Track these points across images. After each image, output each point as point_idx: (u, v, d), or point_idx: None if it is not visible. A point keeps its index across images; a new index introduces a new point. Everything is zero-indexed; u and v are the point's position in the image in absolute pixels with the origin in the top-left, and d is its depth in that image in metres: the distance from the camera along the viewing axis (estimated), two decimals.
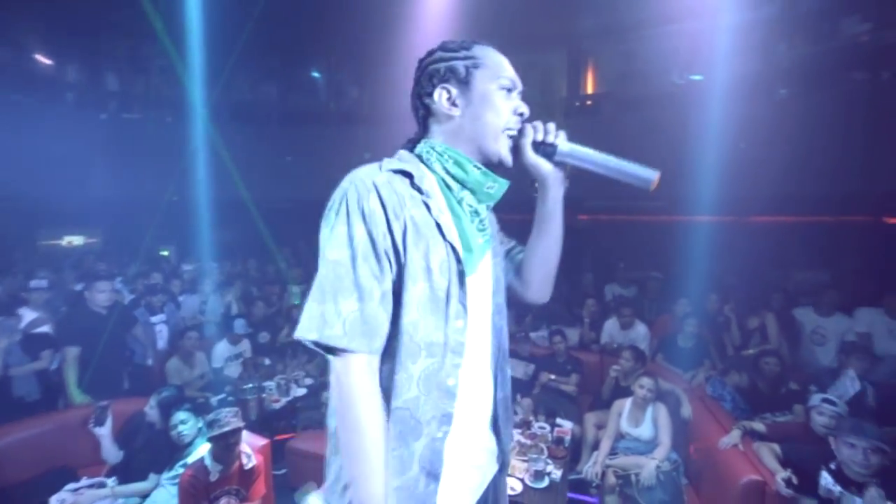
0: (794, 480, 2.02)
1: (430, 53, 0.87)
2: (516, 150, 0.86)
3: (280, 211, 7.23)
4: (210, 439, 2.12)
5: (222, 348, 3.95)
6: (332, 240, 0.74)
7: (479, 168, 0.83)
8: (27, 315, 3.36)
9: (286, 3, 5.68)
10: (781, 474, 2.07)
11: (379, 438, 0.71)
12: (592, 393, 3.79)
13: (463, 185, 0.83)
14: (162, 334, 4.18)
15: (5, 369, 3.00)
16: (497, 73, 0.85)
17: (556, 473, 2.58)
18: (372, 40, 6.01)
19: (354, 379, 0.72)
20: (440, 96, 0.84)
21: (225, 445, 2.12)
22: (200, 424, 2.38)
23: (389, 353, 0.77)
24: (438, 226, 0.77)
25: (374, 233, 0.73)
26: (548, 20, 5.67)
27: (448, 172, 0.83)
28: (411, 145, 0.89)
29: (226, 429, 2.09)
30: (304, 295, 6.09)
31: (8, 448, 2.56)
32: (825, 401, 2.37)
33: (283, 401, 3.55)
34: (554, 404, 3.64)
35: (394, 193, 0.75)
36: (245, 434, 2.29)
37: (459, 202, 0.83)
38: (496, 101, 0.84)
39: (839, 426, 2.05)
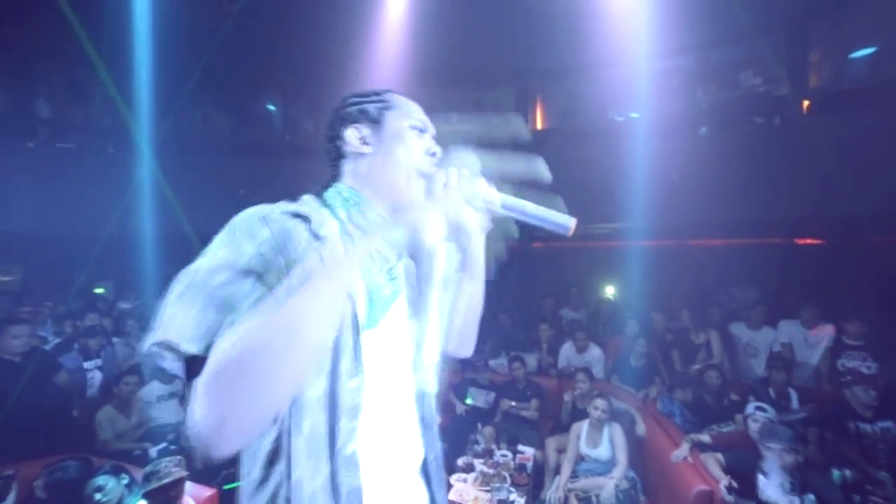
0: (735, 486, 2.16)
1: (343, 100, 0.87)
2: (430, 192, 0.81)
3: None
4: (146, 495, 1.94)
5: (152, 388, 3.63)
6: (209, 259, 0.65)
7: (381, 216, 0.81)
8: None
9: (241, 34, 5.69)
10: (723, 481, 2.20)
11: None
12: (553, 417, 3.85)
13: (364, 232, 0.79)
14: (94, 381, 3.82)
15: None
16: (409, 113, 0.85)
17: (520, 501, 2.57)
18: (327, 75, 6.11)
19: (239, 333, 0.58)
20: (351, 136, 0.83)
21: (164, 500, 1.95)
22: (125, 481, 2.16)
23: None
24: None
25: (258, 262, 0.65)
26: (496, 59, 6.05)
27: (350, 219, 0.79)
28: (320, 190, 0.86)
29: (165, 481, 1.94)
30: None
31: None
32: (758, 408, 2.57)
33: None
34: (515, 431, 3.66)
35: (284, 231, 0.68)
36: (188, 485, 2.12)
37: None
38: (408, 138, 0.83)
39: (761, 433, 2.25)
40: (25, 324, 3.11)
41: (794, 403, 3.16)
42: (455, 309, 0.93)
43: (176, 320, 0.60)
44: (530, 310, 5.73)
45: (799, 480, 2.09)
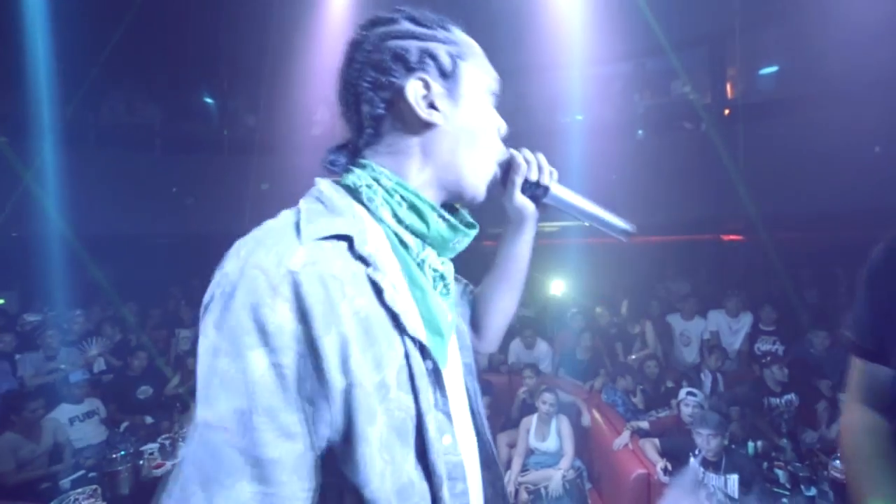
0: (670, 468, 2.32)
1: (389, 21, 0.55)
2: (501, 185, 0.67)
3: (166, 246, 6.41)
4: None
5: (61, 410, 3.27)
6: (213, 383, 0.43)
7: (444, 219, 0.55)
8: None
9: (175, 22, 5.27)
10: (659, 464, 2.36)
11: None
12: (503, 413, 3.91)
13: (423, 240, 0.55)
14: None
15: None
16: (487, 69, 0.60)
17: None
18: (270, 68, 5.82)
19: None
20: (415, 93, 0.52)
21: None
22: None
23: None
24: (396, 316, 0.49)
25: (285, 364, 0.43)
26: None
27: (402, 223, 0.54)
28: (343, 162, 0.57)
29: None
30: (194, 340, 5.32)
31: None
32: (689, 393, 2.77)
33: (169, 464, 3.04)
34: None
35: (321, 286, 0.44)
36: None
37: (420, 265, 0.55)
38: (489, 111, 0.60)
39: (693, 418, 2.44)
40: None
41: (721, 386, 3.45)
42: (490, 306, 0.81)
43: None
44: None
45: (724, 461, 2.28)
